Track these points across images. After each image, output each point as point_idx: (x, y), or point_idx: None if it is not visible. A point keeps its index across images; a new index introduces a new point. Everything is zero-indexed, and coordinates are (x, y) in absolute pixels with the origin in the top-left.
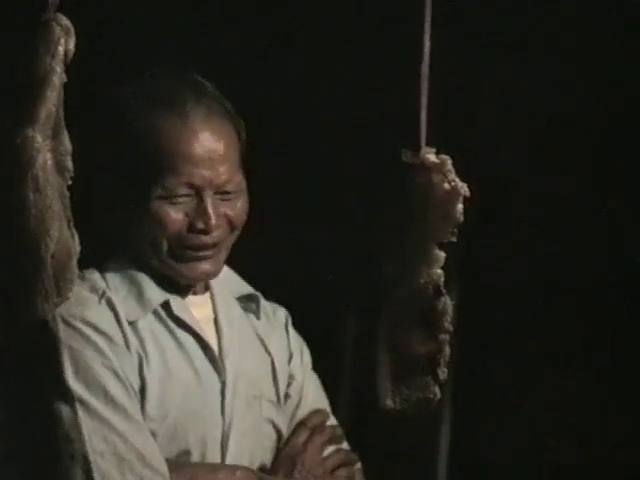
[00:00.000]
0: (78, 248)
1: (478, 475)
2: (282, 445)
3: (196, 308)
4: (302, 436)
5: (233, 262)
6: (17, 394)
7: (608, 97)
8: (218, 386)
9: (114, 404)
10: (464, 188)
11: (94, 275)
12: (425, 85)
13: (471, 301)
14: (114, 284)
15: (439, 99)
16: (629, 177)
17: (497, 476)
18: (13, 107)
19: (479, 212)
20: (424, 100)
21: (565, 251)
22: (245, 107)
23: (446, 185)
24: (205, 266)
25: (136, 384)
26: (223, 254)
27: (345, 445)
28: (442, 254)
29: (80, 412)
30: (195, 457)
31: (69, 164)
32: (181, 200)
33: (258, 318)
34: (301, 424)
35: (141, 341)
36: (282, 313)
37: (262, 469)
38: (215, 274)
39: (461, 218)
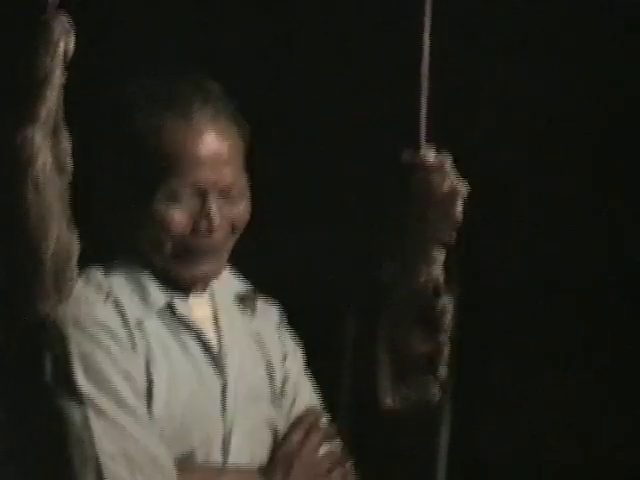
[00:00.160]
0: (78, 248)
1: (478, 475)
2: (277, 444)
3: (197, 307)
4: (298, 435)
5: (233, 262)
6: (17, 394)
7: (608, 97)
8: (219, 386)
9: (124, 405)
10: (464, 188)
11: (98, 275)
12: (425, 85)
13: (471, 301)
14: (119, 284)
15: (439, 99)
16: (629, 177)
17: (497, 476)
18: (13, 107)
19: (479, 212)
20: (424, 100)
21: (565, 251)
22: (245, 107)
23: (446, 184)
24: (207, 267)
25: (143, 385)
26: (225, 255)
27: (337, 444)
28: (441, 254)
29: (91, 414)
30: (199, 458)
31: (69, 164)
32: (185, 201)
33: (254, 317)
34: (296, 423)
35: (147, 342)
36: (275, 311)
37: (261, 470)
38: (217, 275)
39: (461, 217)
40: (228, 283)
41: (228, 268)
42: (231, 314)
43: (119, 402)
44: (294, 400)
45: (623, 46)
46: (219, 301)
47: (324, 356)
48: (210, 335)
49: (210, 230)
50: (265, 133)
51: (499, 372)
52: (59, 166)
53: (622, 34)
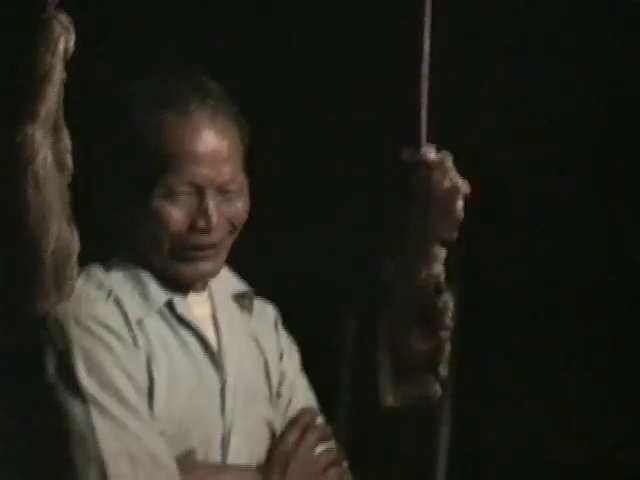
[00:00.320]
0: (78, 246)
1: (478, 475)
2: (274, 443)
3: (196, 306)
4: (294, 435)
5: (233, 262)
6: (17, 394)
7: (608, 97)
8: (219, 385)
9: (126, 404)
10: (464, 186)
11: (98, 273)
12: (425, 85)
13: (471, 301)
14: (119, 282)
15: (439, 99)
16: (629, 177)
17: (497, 476)
18: (13, 105)
19: (479, 212)
20: (424, 100)
21: (565, 251)
22: (245, 107)
23: (446, 183)
24: (205, 265)
25: (145, 383)
26: (223, 254)
27: (333, 443)
28: (442, 253)
29: (93, 412)
30: (199, 456)
31: (69, 162)
32: (183, 199)
33: (251, 316)
34: (293, 423)
35: (148, 340)
36: (271, 311)
37: (259, 469)
38: (215, 273)
39: (461, 216)
40: (227, 282)
41: (226, 267)
42: (230, 313)
43: (121, 400)
44: (290, 400)
45: (623, 46)
46: (218, 300)
47: (324, 356)
48: (209, 334)
49: (208, 228)
50: (265, 133)
51: (499, 372)
52: (59, 164)
53: (622, 34)
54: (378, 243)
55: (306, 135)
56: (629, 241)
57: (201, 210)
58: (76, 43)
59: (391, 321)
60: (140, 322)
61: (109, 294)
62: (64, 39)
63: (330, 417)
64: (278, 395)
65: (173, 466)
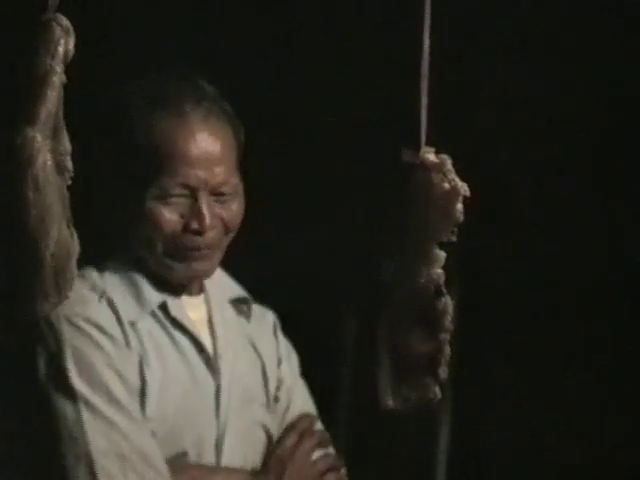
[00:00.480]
0: (77, 248)
1: (478, 475)
2: (271, 448)
3: (191, 309)
4: (291, 439)
5: (233, 262)
6: (17, 394)
7: (608, 97)
8: (213, 388)
9: (117, 404)
10: (464, 187)
11: (93, 274)
12: (425, 85)
13: (471, 301)
14: (113, 284)
15: (439, 99)
16: (629, 177)
17: (497, 476)
18: (13, 107)
19: (479, 212)
20: (424, 100)
21: (565, 251)
22: (245, 107)
23: (446, 184)
24: (199, 266)
25: (137, 384)
26: (217, 255)
27: (332, 449)
28: (442, 254)
29: (83, 411)
30: (192, 458)
31: (69, 164)
32: (176, 200)
33: (249, 321)
34: (290, 428)
35: (141, 341)
36: (270, 317)
37: (254, 473)
38: (209, 274)
39: (461, 218)
40: (224, 287)
41: (225, 271)
42: (226, 317)
43: (112, 400)
44: (288, 406)
45: (623, 46)
46: (214, 304)
47: (324, 356)
48: (204, 337)
49: (201, 230)
50: (265, 133)
51: (499, 372)
52: (59, 167)
53: (622, 34)
54: (378, 243)
55: (306, 135)
56: (629, 241)
57: (194, 212)
58: (76, 44)
59: (391, 321)
60: (133, 324)
61: (102, 295)
62: (64, 41)
63: (330, 418)
64: (276, 400)
65: (164, 466)
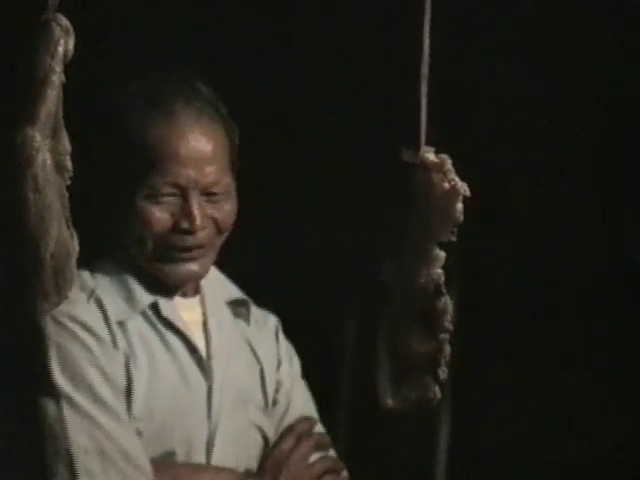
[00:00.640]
0: (77, 248)
1: (478, 475)
2: (268, 450)
3: (186, 311)
4: (288, 442)
5: (232, 262)
6: (17, 394)
7: (608, 97)
8: (205, 389)
9: (99, 401)
10: (464, 187)
11: (84, 274)
12: (425, 85)
13: (471, 301)
14: (103, 283)
15: (439, 99)
16: (629, 177)
17: (497, 476)
18: (13, 107)
19: (479, 212)
20: (424, 100)
21: (565, 251)
22: (245, 107)
23: (446, 184)
24: (190, 267)
25: (122, 383)
26: (210, 256)
27: (332, 453)
28: (442, 254)
29: (65, 408)
30: (180, 458)
31: (68, 164)
32: (167, 200)
33: (248, 324)
34: (288, 430)
35: (129, 341)
36: (273, 320)
37: (247, 474)
38: (201, 275)
39: (461, 217)
40: (221, 288)
41: (225, 272)
42: (222, 319)
43: (95, 398)
44: (287, 408)
45: (623, 46)
46: (210, 305)
47: (324, 357)
48: (198, 338)
49: (191, 229)
50: (265, 133)
51: (499, 372)
52: (59, 166)
53: (622, 34)
54: (378, 243)
55: (306, 135)
56: (629, 241)
57: (184, 211)
58: (76, 44)
59: (391, 321)
60: (122, 323)
61: (91, 295)
62: (64, 41)
63: (330, 418)
64: (274, 403)
65: (147, 465)
